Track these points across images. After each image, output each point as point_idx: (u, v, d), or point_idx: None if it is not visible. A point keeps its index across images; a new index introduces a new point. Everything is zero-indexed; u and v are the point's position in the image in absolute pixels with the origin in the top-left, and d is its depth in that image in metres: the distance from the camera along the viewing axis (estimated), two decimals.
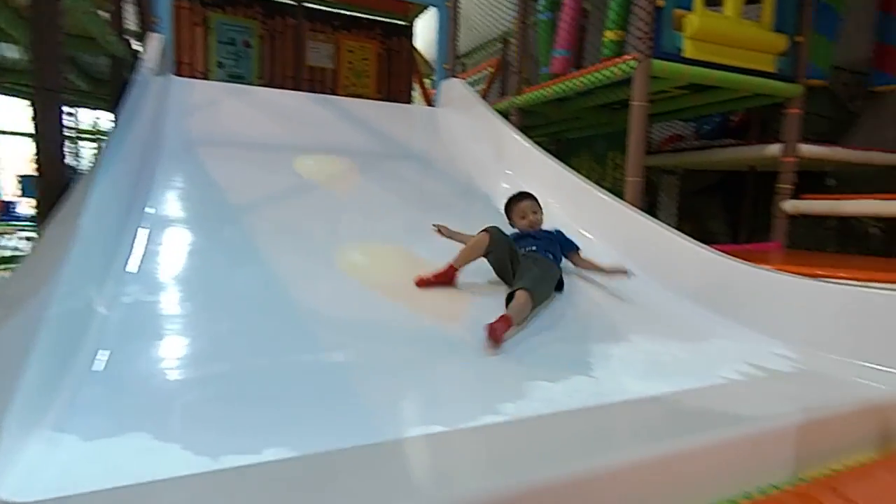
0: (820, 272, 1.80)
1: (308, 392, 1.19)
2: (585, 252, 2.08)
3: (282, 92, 3.32)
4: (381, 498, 0.76)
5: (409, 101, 4.77)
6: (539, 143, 2.90)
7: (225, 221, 2.11)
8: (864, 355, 1.46)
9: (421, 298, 1.83)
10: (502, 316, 1.51)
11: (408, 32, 4.55)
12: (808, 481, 1.05)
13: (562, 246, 2.01)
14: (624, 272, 1.88)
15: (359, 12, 4.41)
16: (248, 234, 2.03)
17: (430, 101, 4.77)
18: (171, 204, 2.09)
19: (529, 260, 1.82)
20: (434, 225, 2.19)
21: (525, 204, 2.08)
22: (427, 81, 5.61)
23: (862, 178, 3.46)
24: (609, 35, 2.62)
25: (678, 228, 2.18)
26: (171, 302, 1.52)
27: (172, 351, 1.29)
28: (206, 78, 3.90)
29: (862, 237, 3.42)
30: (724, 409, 1.19)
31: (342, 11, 4.36)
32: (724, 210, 4.08)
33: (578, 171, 2.72)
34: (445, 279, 1.80)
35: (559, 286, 1.87)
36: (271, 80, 4.06)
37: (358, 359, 1.39)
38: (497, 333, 1.44)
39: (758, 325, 1.69)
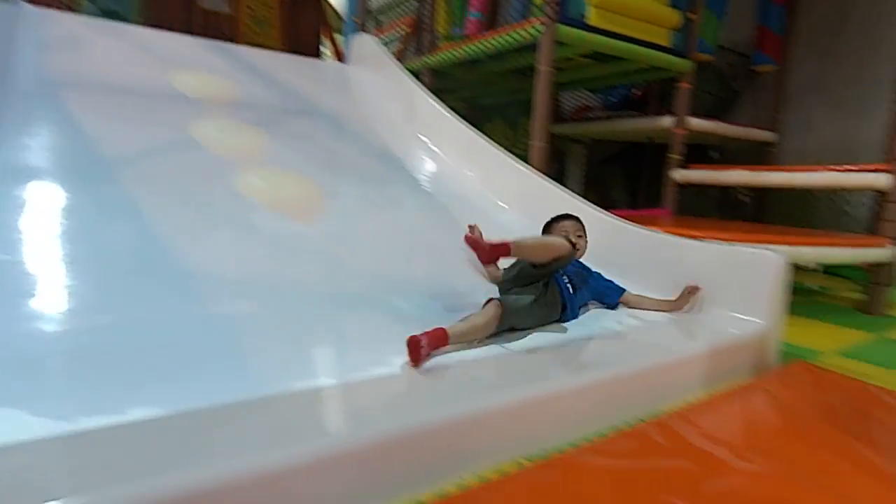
0: (696, 233, 1.98)
1: (183, 348, 1.15)
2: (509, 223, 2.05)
3: (168, 34, 2.99)
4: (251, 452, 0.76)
5: (317, 55, 4.55)
6: (454, 108, 2.91)
7: (95, 176, 1.86)
8: (728, 305, 1.65)
9: (310, 252, 1.82)
10: (436, 330, 1.16)
11: None
12: (667, 413, 1.18)
13: (599, 293, 1.71)
14: (693, 291, 1.67)
15: None
16: (125, 191, 1.82)
17: (341, 57, 4.58)
18: (26, 154, 1.81)
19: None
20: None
21: (568, 224, 1.76)
22: (339, 37, 5.38)
23: (740, 152, 3.81)
24: None
25: (584, 195, 2.30)
26: (31, 259, 1.38)
27: (35, 309, 1.18)
28: (70, 10, 3.43)
29: (737, 205, 3.79)
30: (598, 356, 1.31)
31: None
32: (625, 178, 4.35)
33: (491, 138, 2.77)
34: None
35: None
36: (156, 22, 3.65)
37: (241, 314, 1.37)
38: (416, 352, 1.10)
39: (643, 281, 1.84)
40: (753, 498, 0.89)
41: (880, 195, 2.46)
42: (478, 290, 1.73)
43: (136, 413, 0.83)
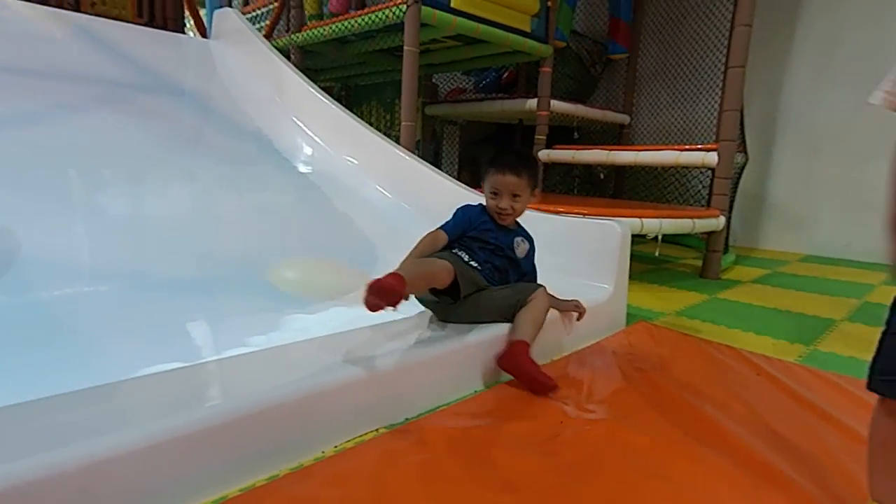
0: (554, 208, 2.12)
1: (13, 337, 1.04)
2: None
3: None
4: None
5: (179, 30, 4.18)
6: (328, 88, 2.85)
7: None
8: (580, 273, 1.78)
9: (164, 235, 1.71)
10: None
11: None
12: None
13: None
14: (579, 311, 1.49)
15: None
16: None
17: (204, 33, 4.26)
18: None
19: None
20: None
21: (507, 179, 1.35)
22: (203, 12, 4.98)
23: (601, 133, 4.13)
24: None
25: (458, 175, 2.37)
26: None
27: None
28: None
29: (597, 183, 4.12)
30: (452, 328, 1.35)
31: None
32: None
33: (368, 119, 2.75)
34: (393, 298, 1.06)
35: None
36: None
37: (82, 299, 1.26)
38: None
39: None
40: (587, 442, 0.99)
41: (712, 172, 2.80)
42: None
43: None
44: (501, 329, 1.29)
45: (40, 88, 2.24)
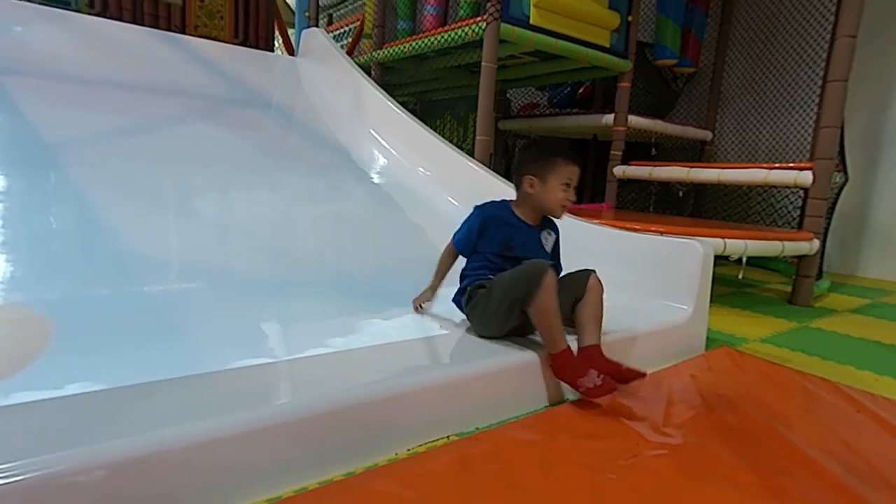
0: (631, 226, 2.06)
1: (124, 326, 1.15)
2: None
3: (115, 23, 2.94)
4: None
5: (269, 48, 4.48)
6: (404, 103, 2.92)
7: (36, 160, 1.87)
8: (658, 292, 1.72)
9: (253, 237, 1.82)
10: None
11: None
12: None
13: None
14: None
15: None
16: (67, 176, 1.83)
17: (291, 51, 4.52)
18: None
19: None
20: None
21: (576, 170, 1.36)
22: (291, 31, 5.30)
23: (680, 149, 3.98)
24: None
25: None
26: None
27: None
28: None
29: (676, 201, 3.96)
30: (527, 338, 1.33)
31: None
32: None
33: (441, 132, 2.81)
34: None
35: None
36: (104, 10, 3.55)
37: (183, 295, 1.38)
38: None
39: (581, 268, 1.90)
40: (666, 466, 0.94)
41: (805, 192, 2.62)
42: (418, 278, 1.76)
43: (75, 388, 0.84)
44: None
45: (153, 102, 2.48)
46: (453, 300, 1.39)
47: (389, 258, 1.97)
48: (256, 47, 4.20)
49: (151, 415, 0.77)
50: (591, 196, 4.08)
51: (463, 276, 1.40)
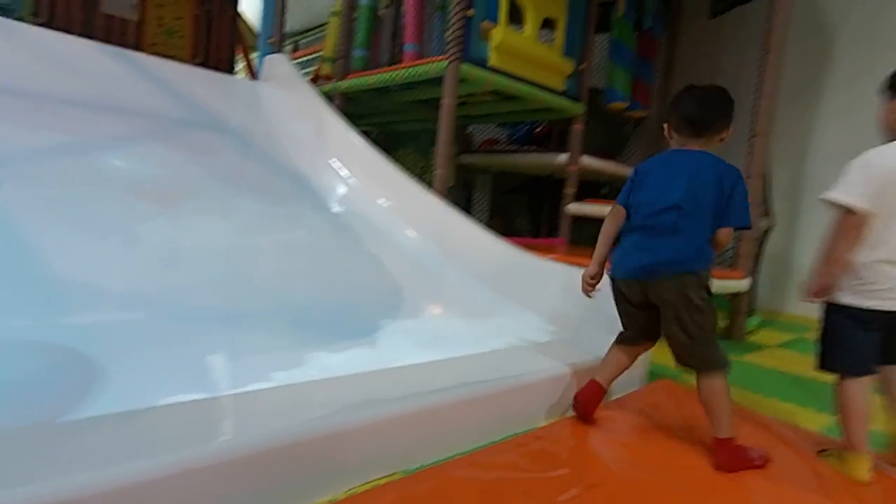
0: (582, 261, 2.14)
1: (49, 359, 1.10)
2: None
3: (62, 36, 2.82)
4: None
5: (230, 71, 4.45)
6: (367, 133, 2.96)
7: None
8: (603, 326, 1.78)
9: (201, 265, 1.78)
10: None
11: None
12: (538, 429, 1.27)
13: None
14: None
15: None
16: None
17: (254, 75, 4.52)
18: None
19: None
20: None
21: None
22: (254, 55, 5.29)
23: None
24: None
25: (489, 223, 2.43)
26: None
27: None
28: None
29: None
30: (479, 371, 1.36)
31: None
32: (528, 209, 4.59)
33: (403, 163, 2.84)
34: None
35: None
36: (50, 21, 3.41)
37: (119, 325, 1.32)
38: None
39: (530, 304, 1.96)
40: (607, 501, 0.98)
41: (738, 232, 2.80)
42: (374, 310, 1.77)
43: None
44: (519, 383, 1.31)
45: (99, 121, 2.40)
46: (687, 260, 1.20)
47: (345, 290, 1.97)
48: (217, 69, 4.17)
49: (72, 456, 0.73)
50: (547, 231, 4.21)
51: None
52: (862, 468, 1.18)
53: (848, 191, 1.16)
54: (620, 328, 1.40)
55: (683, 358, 1.26)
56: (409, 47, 2.95)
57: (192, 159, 2.52)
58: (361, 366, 1.27)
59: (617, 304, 1.38)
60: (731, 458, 1.16)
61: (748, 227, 1.29)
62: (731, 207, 1.22)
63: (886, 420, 1.29)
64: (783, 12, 2.51)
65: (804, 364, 2.28)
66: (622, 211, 1.35)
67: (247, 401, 1.02)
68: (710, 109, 1.35)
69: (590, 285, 1.42)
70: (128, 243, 1.76)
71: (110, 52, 2.93)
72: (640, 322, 1.33)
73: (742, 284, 2.56)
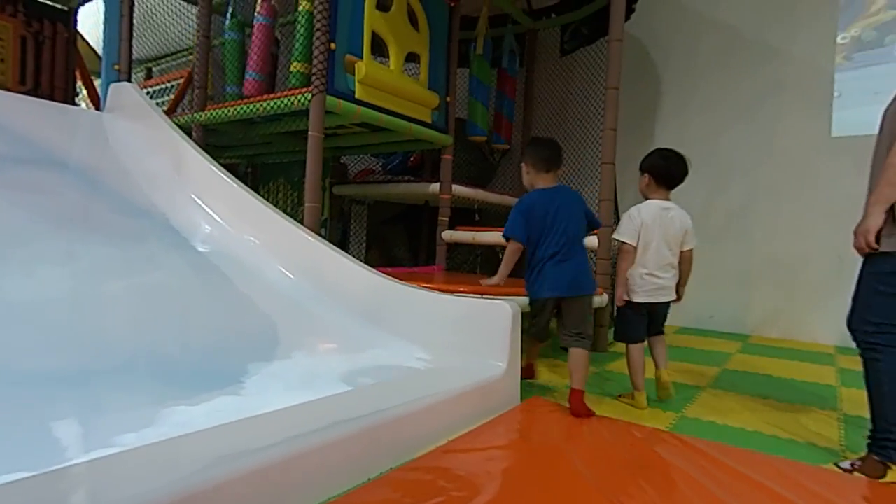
0: (453, 288, 2.21)
1: None
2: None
3: None
4: None
5: (70, 101, 4.02)
6: (233, 165, 2.83)
7: None
8: (475, 351, 1.85)
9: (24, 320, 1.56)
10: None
11: (66, 19, 3.85)
12: (417, 459, 1.27)
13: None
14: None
15: None
16: None
17: (98, 104, 4.12)
18: None
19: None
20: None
21: None
22: (98, 82, 4.83)
23: (500, 215, 4.40)
24: (296, 66, 2.74)
25: (367, 254, 2.41)
26: None
27: None
28: None
29: (499, 262, 4.34)
30: (350, 409, 1.33)
31: None
32: (406, 237, 4.65)
33: (275, 196, 2.74)
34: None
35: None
36: None
37: None
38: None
39: (405, 334, 1.97)
40: None
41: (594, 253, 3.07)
42: (246, 354, 1.66)
43: None
44: (395, 415, 1.30)
45: None
46: None
47: (212, 334, 1.83)
48: (52, 98, 3.74)
49: None
50: (425, 258, 4.29)
51: None
52: (642, 401, 1.95)
53: (621, 231, 1.97)
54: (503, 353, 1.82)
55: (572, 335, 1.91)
56: (251, 75, 2.90)
57: (20, 200, 2.22)
58: (225, 416, 1.18)
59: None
60: (578, 403, 1.77)
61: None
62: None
63: (652, 371, 2.04)
64: (616, 52, 2.85)
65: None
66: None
67: (94, 470, 0.91)
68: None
69: None
70: None
71: None
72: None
73: (600, 300, 2.80)
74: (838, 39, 3.60)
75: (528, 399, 1.88)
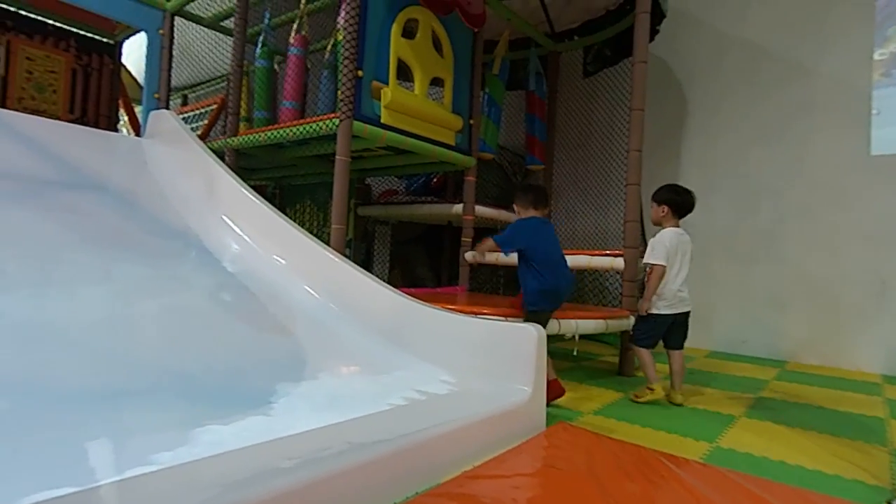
0: (478, 310, 2.22)
1: None
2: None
3: None
4: None
5: (113, 128, 4.21)
6: (262, 187, 2.92)
7: None
8: (499, 375, 1.84)
9: (67, 342, 1.62)
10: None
11: (112, 52, 4.06)
12: (442, 484, 1.27)
13: None
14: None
15: (44, 16, 3.76)
16: None
17: (138, 131, 4.30)
18: None
19: None
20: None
21: None
22: (138, 108, 5.05)
23: None
24: None
25: (389, 273, 2.44)
26: None
27: None
28: None
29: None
30: (377, 432, 1.35)
31: (20, 12, 3.66)
32: (428, 258, 4.68)
33: (301, 217, 2.81)
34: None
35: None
36: None
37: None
38: None
39: (429, 356, 1.98)
40: None
41: (621, 275, 3.04)
42: (274, 374, 1.69)
43: None
44: (419, 439, 1.30)
45: None
46: None
47: (240, 355, 1.87)
48: (97, 125, 3.92)
49: None
50: (448, 279, 4.30)
51: None
52: (660, 391, 2.31)
53: (656, 256, 2.34)
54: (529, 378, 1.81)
55: None
56: (287, 104, 2.99)
57: (63, 222, 2.33)
58: (253, 437, 1.21)
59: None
60: (552, 389, 2.05)
61: None
62: None
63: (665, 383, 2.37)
64: (640, 74, 2.85)
65: (688, 393, 2.48)
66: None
67: (129, 488, 0.93)
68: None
69: None
70: None
71: None
72: None
73: (627, 323, 2.76)
74: (875, 55, 3.53)
75: (553, 424, 1.85)
